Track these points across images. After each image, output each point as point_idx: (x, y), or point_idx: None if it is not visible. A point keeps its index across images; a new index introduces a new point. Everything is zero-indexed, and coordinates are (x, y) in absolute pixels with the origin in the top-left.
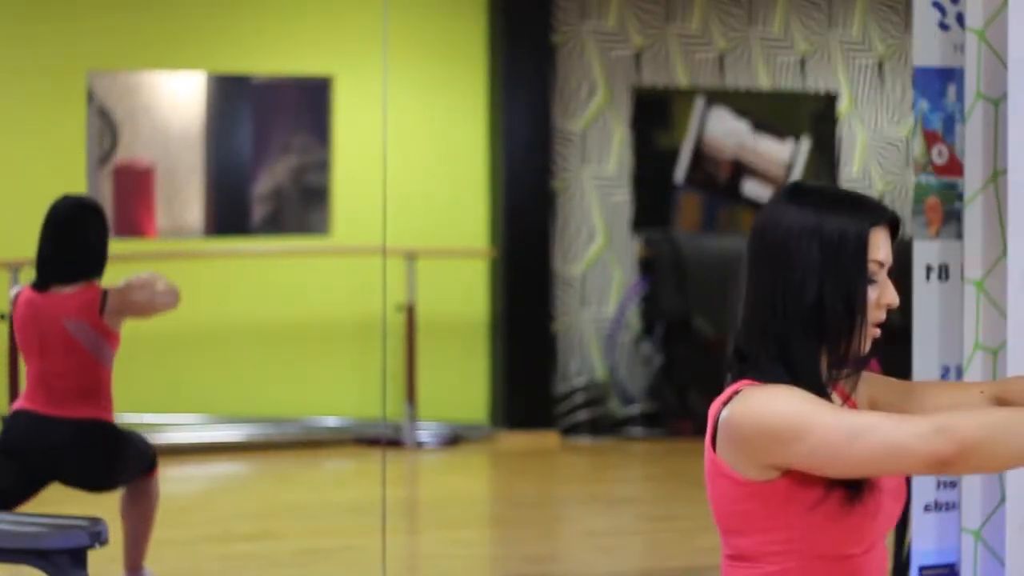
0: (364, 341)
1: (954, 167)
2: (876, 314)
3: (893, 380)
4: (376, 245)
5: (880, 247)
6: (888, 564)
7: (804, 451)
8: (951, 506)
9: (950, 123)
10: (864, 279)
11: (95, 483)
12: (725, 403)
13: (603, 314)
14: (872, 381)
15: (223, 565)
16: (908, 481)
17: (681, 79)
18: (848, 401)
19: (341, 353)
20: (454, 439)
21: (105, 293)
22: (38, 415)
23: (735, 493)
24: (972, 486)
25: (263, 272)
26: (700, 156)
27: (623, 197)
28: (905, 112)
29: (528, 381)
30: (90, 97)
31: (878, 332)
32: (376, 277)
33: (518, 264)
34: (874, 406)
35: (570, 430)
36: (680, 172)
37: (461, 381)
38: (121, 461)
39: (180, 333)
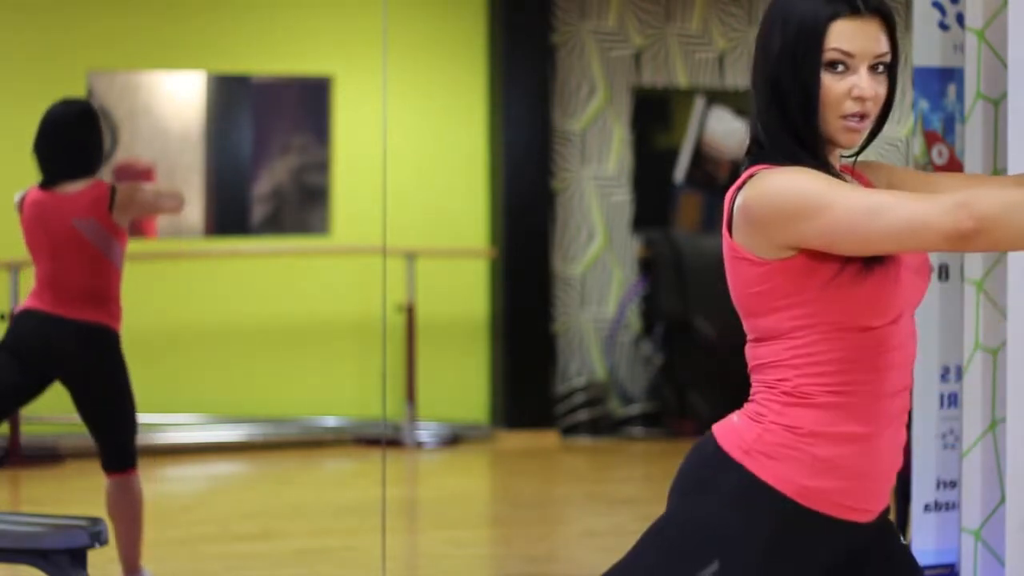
0: (364, 341)
1: (954, 167)
2: (846, 105)
3: (913, 170)
4: (376, 245)
5: (850, 37)
6: (916, 340)
7: (821, 228)
8: (951, 506)
9: (950, 123)
10: (814, 67)
11: (92, 389)
12: (739, 188)
13: (603, 314)
14: (892, 170)
15: (223, 565)
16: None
17: (681, 79)
18: (866, 185)
19: (341, 353)
20: (454, 439)
21: (113, 189)
22: (45, 314)
23: (753, 274)
24: (972, 486)
25: (263, 272)
26: (700, 156)
27: (623, 197)
28: (905, 112)
29: (528, 381)
30: (90, 97)
31: (855, 124)
32: (376, 277)
33: (518, 264)
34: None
35: (570, 430)
36: (680, 172)
37: (461, 381)
38: (119, 378)
39: (180, 333)
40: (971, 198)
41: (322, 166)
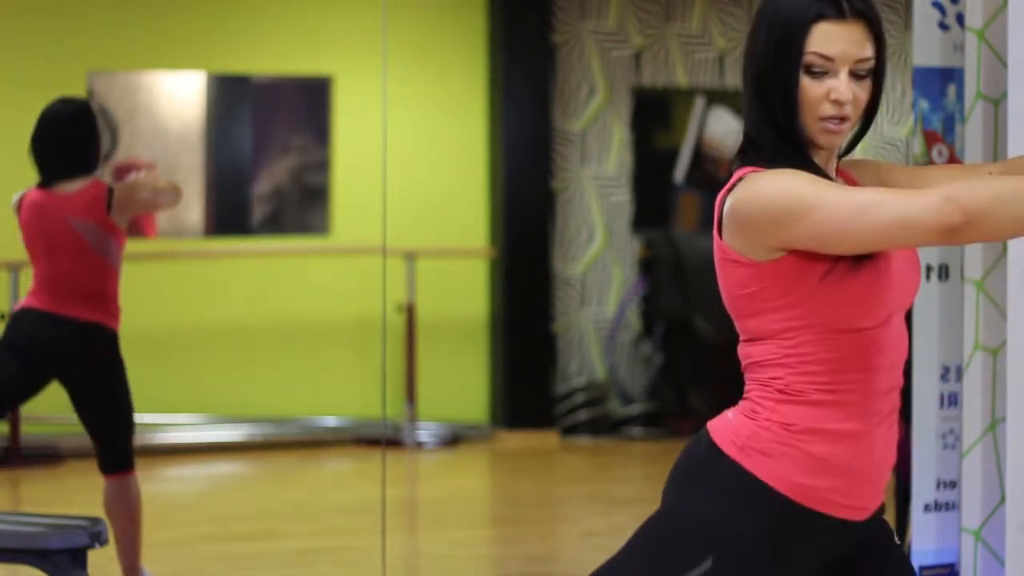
0: (364, 341)
1: None
2: (823, 108)
3: (902, 166)
4: (376, 245)
5: (831, 40)
6: (907, 342)
7: (810, 228)
8: (951, 506)
9: (950, 123)
10: (794, 69)
11: (90, 387)
12: (730, 191)
13: (603, 314)
14: (879, 167)
15: (223, 565)
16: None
17: (681, 79)
18: (853, 184)
19: (341, 353)
20: (454, 439)
21: (111, 189)
22: (43, 312)
23: (744, 276)
24: (972, 486)
25: (263, 272)
26: (700, 156)
27: (623, 197)
28: (905, 112)
29: (528, 381)
30: (90, 97)
31: (834, 126)
32: (376, 277)
33: (518, 264)
34: None
35: (570, 430)
36: (680, 172)
37: (461, 381)
38: (117, 377)
39: (180, 333)
40: (958, 192)
41: (322, 166)
